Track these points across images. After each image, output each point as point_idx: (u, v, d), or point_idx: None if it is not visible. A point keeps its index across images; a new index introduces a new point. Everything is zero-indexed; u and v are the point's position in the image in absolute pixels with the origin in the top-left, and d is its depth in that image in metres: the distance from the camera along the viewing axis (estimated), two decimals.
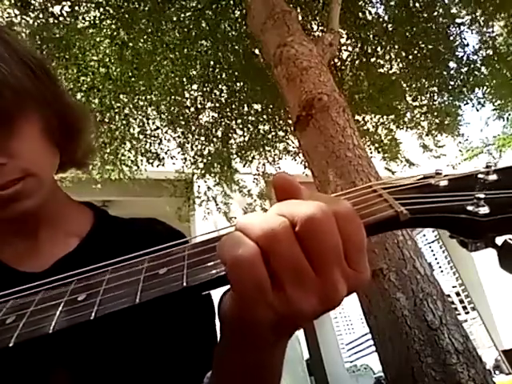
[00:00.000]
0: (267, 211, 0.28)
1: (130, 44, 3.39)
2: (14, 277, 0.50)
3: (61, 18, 3.14)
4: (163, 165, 4.02)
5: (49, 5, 3.13)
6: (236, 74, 3.94)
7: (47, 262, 0.52)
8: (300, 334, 5.71)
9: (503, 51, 4.17)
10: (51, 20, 3.11)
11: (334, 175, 1.94)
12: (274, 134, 4.35)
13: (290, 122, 2.98)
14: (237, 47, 3.87)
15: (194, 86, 4.04)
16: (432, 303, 1.58)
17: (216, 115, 4.16)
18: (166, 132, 4.07)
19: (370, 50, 4.11)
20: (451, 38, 4.22)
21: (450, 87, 4.32)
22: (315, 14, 4.03)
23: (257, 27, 2.76)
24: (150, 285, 0.30)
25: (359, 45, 4.11)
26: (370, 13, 4.15)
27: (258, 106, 4.20)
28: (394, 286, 1.63)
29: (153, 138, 3.99)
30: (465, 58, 4.23)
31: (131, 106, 3.76)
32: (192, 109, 4.06)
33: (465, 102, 4.38)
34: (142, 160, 3.97)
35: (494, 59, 4.19)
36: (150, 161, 3.97)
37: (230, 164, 4.31)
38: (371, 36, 4.08)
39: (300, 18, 3.60)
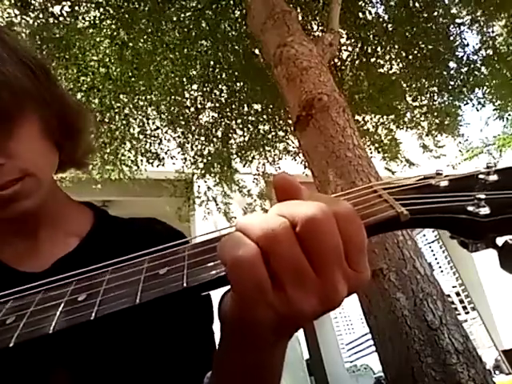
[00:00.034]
0: (267, 212, 0.28)
1: (130, 44, 3.39)
2: (13, 277, 0.50)
3: (61, 18, 3.14)
4: (163, 165, 4.02)
5: (49, 5, 3.13)
6: (236, 74, 3.94)
7: (47, 262, 0.52)
8: (300, 334, 5.70)
9: (503, 51, 4.17)
10: (51, 20, 3.11)
11: (334, 175, 1.94)
12: (274, 134, 4.35)
13: (290, 122, 2.98)
14: (237, 47, 3.87)
15: (194, 86, 4.04)
16: (432, 303, 1.58)
17: (216, 115, 4.16)
18: (166, 132, 4.07)
19: (370, 50, 4.11)
20: (451, 38, 4.22)
21: (450, 87, 4.32)
22: (315, 14, 4.03)
23: (257, 27, 2.76)
24: (150, 285, 0.30)
25: (359, 45, 4.11)
26: (370, 13, 4.15)
27: (258, 106, 4.20)
28: (394, 286, 1.63)
29: (153, 138, 3.99)
30: (465, 58, 4.23)
31: (131, 106, 3.76)
32: (192, 109, 4.06)
33: (465, 102, 4.38)
34: (142, 160, 3.97)
35: (494, 59, 4.18)
36: (150, 161, 3.97)
37: (230, 164, 4.31)
38: (371, 36, 4.08)
39: (300, 18, 3.61)
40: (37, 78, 0.50)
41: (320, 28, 4.02)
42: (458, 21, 4.21)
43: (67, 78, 3.23)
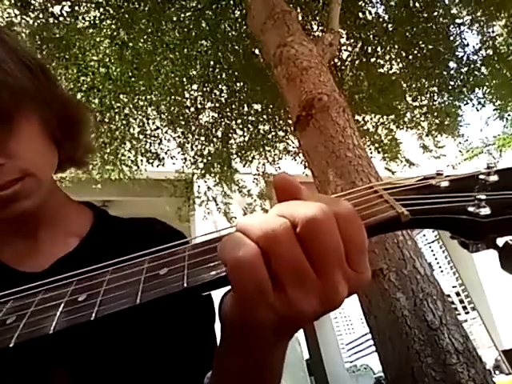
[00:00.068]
0: (268, 212, 0.28)
1: (130, 44, 3.39)
2: (13, 277, 0.50)
3: (61, 18, 3.14)
4: (163, 165, 4.02)
5: (49, 5, 3.13)
6: (236, 74, 3.94)
7: (47, 262, 0.52)
8: (300, 334, 5.70)
9: (503, 51, 4.17)
10: (51, 20, 3.11)
11: (334, 175, 1.94)
12: (274, 134, 4.35)
13: (290, 122, 2.98)
14: (237, 47, 3.87)
15: (194, 86, 4.04)
16: (432, 303, 1.58)
17: (216, 115, 4.16)
18: (166, 132, 4.07)
19: (370, 50, 4.11)
20: (451, 38, 4.22)
21: (450, 87, 4.32)
22: (315, 14, 4.03)
23: (257, 27, 2.76)
24: (150, 285, 0.30)
25: (359, 45, 4.11)
26: (370, 13, 4.15)
27: (258, 106, 4.19)
28: (394, 286, 1.63)
29: (153, 138, 3.99)
30: (465, 58, 4.23)
31: (131, 106, 3.76)
32: (192, 109, 4.06)
33: (465, 102, 4.38)
34: (142, 160, 3.97)
35: (494, 59, 4.18)
36: (150, 161, 3.97)
37: (230, 164, 4.31)
38: (371, 36, 4.08)
39: (300, 18, 3.60)
40: (36, 78, 0.50)
41: (320, 28, 4.02)
42: (458, 21, 4.21)
43: (67, 78, 3.23)
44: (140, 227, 0.61)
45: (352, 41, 4.13)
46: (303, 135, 2.21)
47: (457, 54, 4.24)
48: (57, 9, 3.15)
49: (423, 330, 1.51)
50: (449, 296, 5.89)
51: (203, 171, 4.23)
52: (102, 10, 3.30)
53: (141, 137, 3.94)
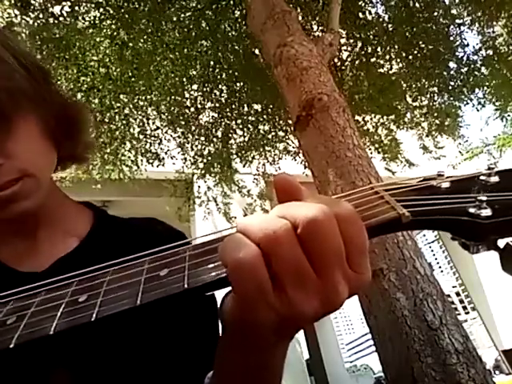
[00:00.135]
0: (268, 212, 0.28)
1: (130, 44, 3.38)
2: (13, 277, 0.50)
3: (61, 18, 3.13)
4: (163, 165, 4.02)
5: (49, 5, 3.13)
6: (236, 74, 3.94)
7: (46, 262, 0.52)
8: (300, 334, 5.70)
9: (503, 51, 4.17)
10: (51, 20, 3.11)
11: (334, 175, 1.94)
12: (274, 134, 4.35)
13: (290, 122, 2.98)
14: (237, 47, 3.87)
15: (194, 86, 4.04)
16: (432, 303, 1.58)
17: (216, 115, 4.16)
18: (166, 132, 4.07)
19: (370, 50, 4.11)
20: (451, 38, 4.22)
21: (450, 87, 4.32)
22: (315, 14, 4.03)
23: (257, 27, 2.76)
24: (150, 286, 0.30)
25: (359, 45, 4.11)
26: (370, 13, 4.15)
27: (258, 106, 4.19)
28: (394, 286, 1.63)
29: (153, 138, 3.99)
30: (465, 58, 4.23)
31: (131, 106, 3.76)
32: (192, 109, 4.06)
33: (465, 103, 4.38)
34: (142, 160, 3.97)
35: (494, 59, 4.18)
36: (150, 161, 3.97)
37: (230, 164, 4.31)
38: (371, 36, 4.08)
39: (300, 18, 3.61)
40: (34, 79, 0.50)
41: (320, 28, 4.02)
42: (457, 21, 4.21)
43: (67, 78, 3.23)
44: (140, 227, 0.61)
45: (352, 41, 4.13)
46: (303, 135, 2.21)
47: (457, 54, 4.24)
48: (57, 9, 3.14)
49: (423, 329, 1.51)
50: (449, 296, 5.89)
51: (203, 171, 4.23)
52: (101, 10, 3.30)
53: (141, 137, 3.94)
